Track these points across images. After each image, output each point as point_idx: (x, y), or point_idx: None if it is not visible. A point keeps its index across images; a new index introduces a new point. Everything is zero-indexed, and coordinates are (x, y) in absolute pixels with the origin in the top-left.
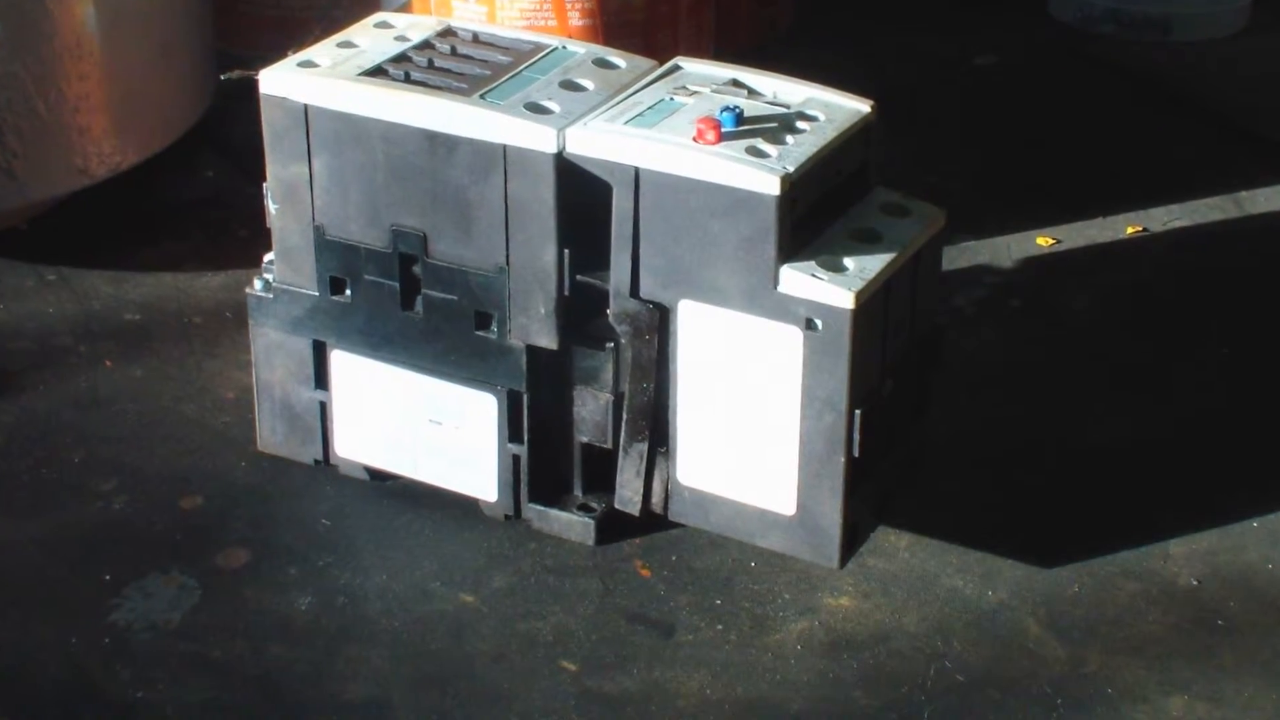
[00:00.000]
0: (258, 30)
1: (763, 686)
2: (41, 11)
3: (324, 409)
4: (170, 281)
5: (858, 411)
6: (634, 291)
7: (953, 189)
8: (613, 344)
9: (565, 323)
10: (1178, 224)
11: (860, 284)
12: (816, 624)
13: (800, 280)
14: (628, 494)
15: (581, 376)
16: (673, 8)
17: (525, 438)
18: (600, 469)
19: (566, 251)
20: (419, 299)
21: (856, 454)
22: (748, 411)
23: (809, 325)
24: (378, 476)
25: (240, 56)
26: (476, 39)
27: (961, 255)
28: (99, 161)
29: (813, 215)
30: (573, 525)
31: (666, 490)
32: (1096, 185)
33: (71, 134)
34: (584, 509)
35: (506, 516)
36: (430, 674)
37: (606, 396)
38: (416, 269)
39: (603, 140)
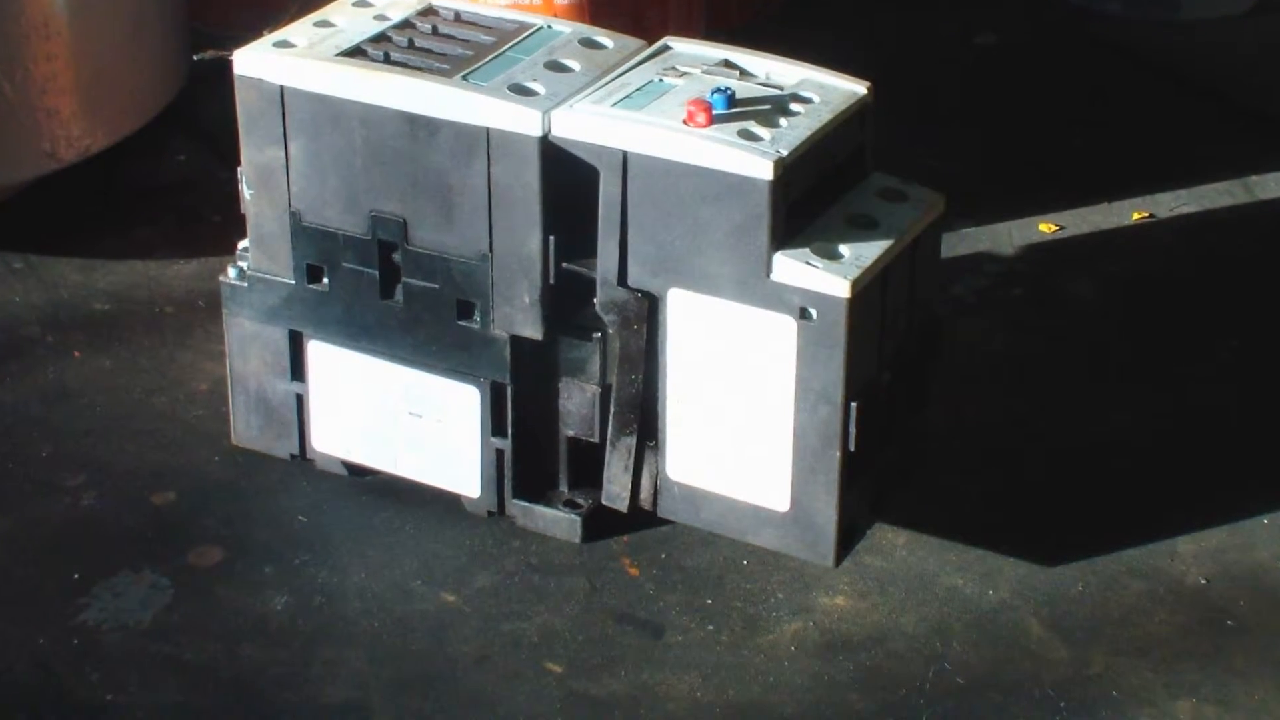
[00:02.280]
0: (232, 9)
1: (755, 689)
2: None
3: (300, 402)
4: (141, 269)
5: (854, 404)
6: (622, 280)
7: (953, 173)
8: (600, 334)
9: (550, 312)
10: (1185, 210)
11: (856, 272)
12: (811, 624)
13: (794, 268)
14: (615, 489)
15: (567, 368)
16: None
17: (509, 431)
18: (587, 464)
19: (552, 238)
20: (399, 288)
21: (852, 448)
22: (739, 404)
23: (803, 315)
24: (356, 472)
25: (214, 36)
26: (458, 18)
27: (961, 242)
28: (67, 145)
29: (807, 201)
30: (558, 522)
31: (655, 486)
32: (1101, 169)
33: (39, 116)
34: (570, 505)
35: (489, 513)
36: (411, 676)
37: (593, 388)
38: (396, 256)
39: (589, 123)
